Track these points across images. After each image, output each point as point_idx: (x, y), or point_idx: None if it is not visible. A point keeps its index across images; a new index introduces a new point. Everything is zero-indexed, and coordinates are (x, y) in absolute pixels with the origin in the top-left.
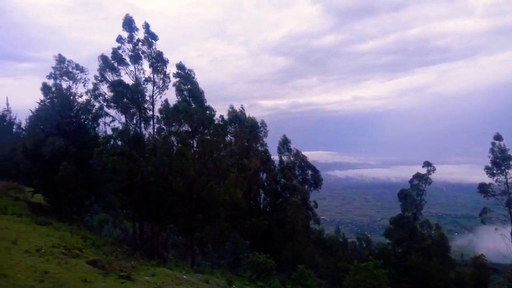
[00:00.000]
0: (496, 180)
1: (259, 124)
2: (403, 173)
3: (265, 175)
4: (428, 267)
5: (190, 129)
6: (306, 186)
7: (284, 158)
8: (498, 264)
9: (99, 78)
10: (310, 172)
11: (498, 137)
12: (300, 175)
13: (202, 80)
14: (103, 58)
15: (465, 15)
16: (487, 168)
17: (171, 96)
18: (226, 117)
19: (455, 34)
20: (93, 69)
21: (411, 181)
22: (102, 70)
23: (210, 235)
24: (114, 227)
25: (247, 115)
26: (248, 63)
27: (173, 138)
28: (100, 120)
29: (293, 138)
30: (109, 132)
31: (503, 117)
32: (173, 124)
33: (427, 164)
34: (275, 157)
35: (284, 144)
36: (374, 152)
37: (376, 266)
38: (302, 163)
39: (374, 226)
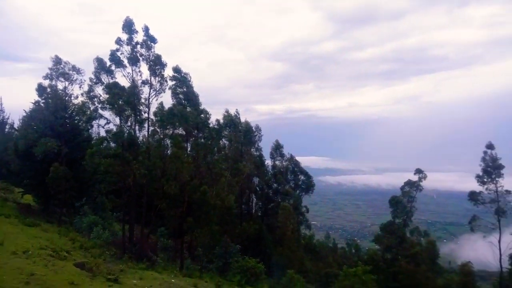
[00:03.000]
0: (487, 189)
1: (253, 128)
2: (395, 180)
3: (257, 179)
4: (417, 273)
5: (184, 132)
6: (298, 191)
7: (277, 163)
8: (485, 271)
9: (94, 80)
10: (302, 177)
11: (490, 146)
12: (292, 180)
13: (199, 83)
14: (98, 60)
15: (463, 26)
16: (478, 176)
17: (166, 99)
18: (221, 121)
19: (453, 44)
20: (90, 71)
21: (402, 188)
22: (97, 72)
23: (200, 238)
24: (104, 229)
25: (242, 119)
26: (246, 68)
27: (167, 141)
28: (94, 122)
29: (287, 143)
30: (103, 134)
31: (495, 126)
32: (168, 127)
33: (418, 171)
34: (269, 162)
35: (277, 149)
36: (366, 159)
37: (365, 271)
38: (295, 168)
39: (364, 232)
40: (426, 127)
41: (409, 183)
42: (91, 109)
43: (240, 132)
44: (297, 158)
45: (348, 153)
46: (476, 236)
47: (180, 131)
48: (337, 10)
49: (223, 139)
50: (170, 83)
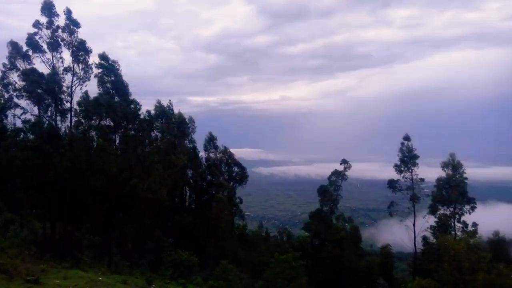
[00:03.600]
0: (403, 177)
1: (187, 120)
2: (323, 170)
3: (191, 172)
4: (342, 257)
5: (112, 124)
6: (232, 183)
7: (211, 155)
8: (402, 252)
9: (8, 66)
10: (236, 169)
11: (406, 138)
12: (226, 172)
13: (128, 72)
14: (13, 44)
15: (385, 25)
16: (396, 165)
17: (92, 88)
18: (152, 112)
19: (375, 43)
20: (4, 56)
21: (329, 178)
22: (11, 58)
23: (130, 233)
24: (22, 227)
25: (175, 110)
26: (179, 58)
27: (93, 133)
28: (8, 111)
29: (222, 135)
30: (20, 125)
31: (412, 120)
32: (94, 117)
33: (344, 161)
34: (203, 154)
35: (211, 141)
36: (298, 150)
37: (295, 258)
38: (229, 160)
39: (295, 220)
40: (351, 121)
41: (335, 173)
42: (5, 97)
43: (173, 124)
44: (231, 150)
45: (280, 145)
46: (394, 220)
47: (108, 122)
48: (270, 4)
49: (155, 131)
50: (96, 71)
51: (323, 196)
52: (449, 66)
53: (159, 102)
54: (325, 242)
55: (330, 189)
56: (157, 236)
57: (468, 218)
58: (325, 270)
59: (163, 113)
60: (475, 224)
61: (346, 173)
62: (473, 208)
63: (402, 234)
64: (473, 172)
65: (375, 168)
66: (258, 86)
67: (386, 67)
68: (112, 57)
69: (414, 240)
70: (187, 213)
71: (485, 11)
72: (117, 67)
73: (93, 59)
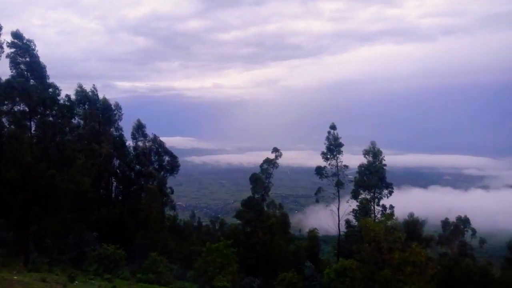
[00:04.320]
0: (329, 164)
1: (113, 106)
2: (255, 159)
3: (118, 161)
4: (272, 243)
5: (27, 109)
6: (163, 173)
7: (140, 143)
8: (327, 235)
9: None
10: (167, 158)
11: (333, 127)
12: (156, 161)
13: (47, 53)
14: None
15: (315, 17)
16: (323, 153)
17: (3, 69)
18: (73, 96)
19: (306, 34)
20: None
21: (261, 166)
22: None
23: (50, 228)
24: None
25: (100, 96)
26: (104, 40)
27: (4, 119)
28: None
29: (151, 123)
30: None
31: (339, 109)
32: (5, 102)
33: (275, 150)
34: (130, 143)
35: (139, 129)
36: (230, 139)
37: (226, 246)
38: (159, 149)
39: (228, 209)
40: (283, 110)
41: (267, 161)
42: None
43: (97, 110)
44: (162, 138)
45: (213, 134)
46: (320, 206)
47: (22, 107)
48: None
49: (77, 118)
50: (8, 50)
51: (255, 184)
52: (372, 59)
53: (80, 86)
54: (256, 229)
55: (262, 177)
56: (80, 230)
57: (386, 201)
58: (256, 256)
59: (86, 98)
60: (392, 207)
61: (277, 161)
62: (390, 193)
63: (328, 218)
64: (391, 159)
65: (305, 156)
66: (190, 72)
67: (315, 58)
68: (27, 35)
69: (338, 224)
70: (114, 205)
71: (405, 8)
72: (33, 47)
73: (5, 37)
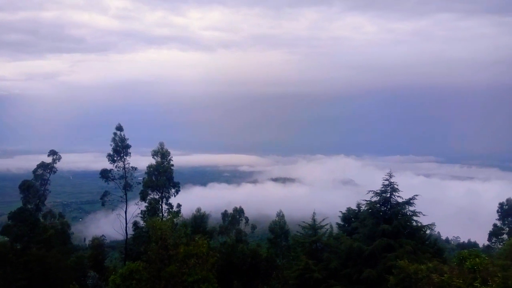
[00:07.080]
0: (116, 166)
1: None
2: (27, 163)
3: None
4: (48, 258)
5: None
6: None
7: None
8: (116, 241)
9: None
10: None
11: (119, 128)
12: None
13: None
14: None
15: (100, 12)
16: (109, 155)
17: None
18: None
19: (90, 27)
20: None
21: (34, 171)
22: None
23: None
24: None
25: None
26: None
27: None
28: None
29: None
30: None
31: (128, 110)
32: None
33: (53, 152)
34: None
35: None
36: None
37: None
38: None
39: None
40: (64, 108)
41: (42, 165)
42: None
43: None
44: None
45: None
46: (107, 210)
47: None
48: None
49: None
50: None
51: (27, 193)
52: (161, 62)
53: None
54: (30, 244)
55: (36, 184)
56: None
57: (174, 200)
58: (30, 276)
59: None
60: (179, 205)
61: (55, 165)
62: (177, 191)
63: (114, 223)
64: (179, 159)
65: (89, 158)
66: None
67: (101, 54)
68: None
69: (126, 227)
70: None
71: (188, 18)
72: None
73: None
